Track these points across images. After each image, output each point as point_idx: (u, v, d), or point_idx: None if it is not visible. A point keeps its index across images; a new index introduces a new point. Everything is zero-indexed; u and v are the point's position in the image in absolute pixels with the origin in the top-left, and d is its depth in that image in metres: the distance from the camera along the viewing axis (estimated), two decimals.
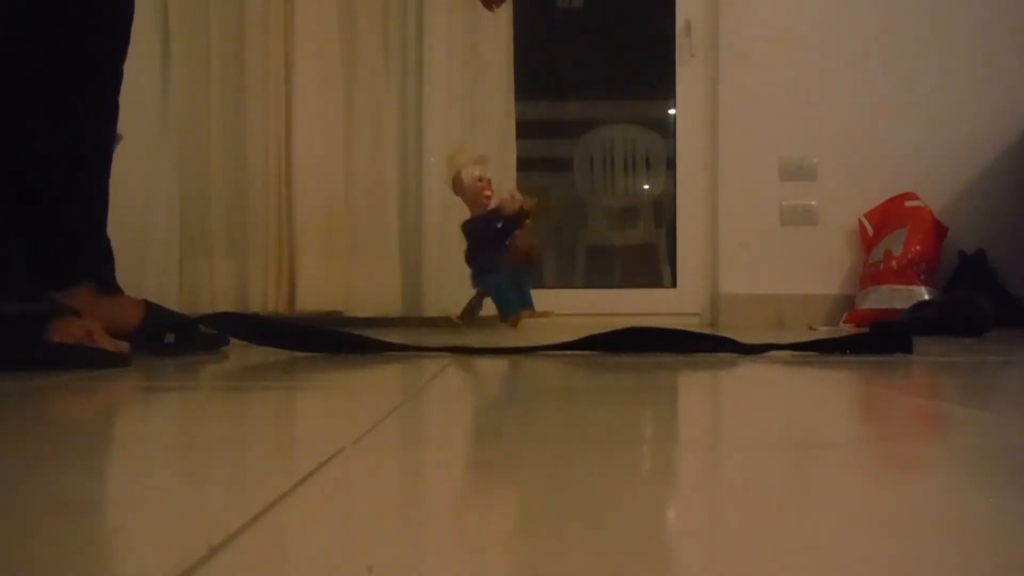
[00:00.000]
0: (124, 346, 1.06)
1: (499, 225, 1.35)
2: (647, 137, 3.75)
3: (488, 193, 1.35)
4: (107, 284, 1.31)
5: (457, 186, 1.33)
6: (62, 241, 1.26)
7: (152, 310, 1.32)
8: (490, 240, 1.36)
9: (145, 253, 2.63)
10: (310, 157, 2.76)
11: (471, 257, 1.37)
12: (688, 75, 3.05)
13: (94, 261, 1.31)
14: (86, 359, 1.00)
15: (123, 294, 1.33)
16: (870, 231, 2.90)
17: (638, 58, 4.00)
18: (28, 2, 1.21)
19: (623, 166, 3.76)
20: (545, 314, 1.42)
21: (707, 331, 1.42)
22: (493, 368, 1.10)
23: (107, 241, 1.34)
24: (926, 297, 2.64)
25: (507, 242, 1.36)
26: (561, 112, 4.26)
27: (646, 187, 3.86)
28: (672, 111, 3.19)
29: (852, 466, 0.47)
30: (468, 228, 1.35)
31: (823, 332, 2.40)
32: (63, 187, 1.27)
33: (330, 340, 1.29)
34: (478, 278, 1.37)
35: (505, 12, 2.87)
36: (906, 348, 1.26)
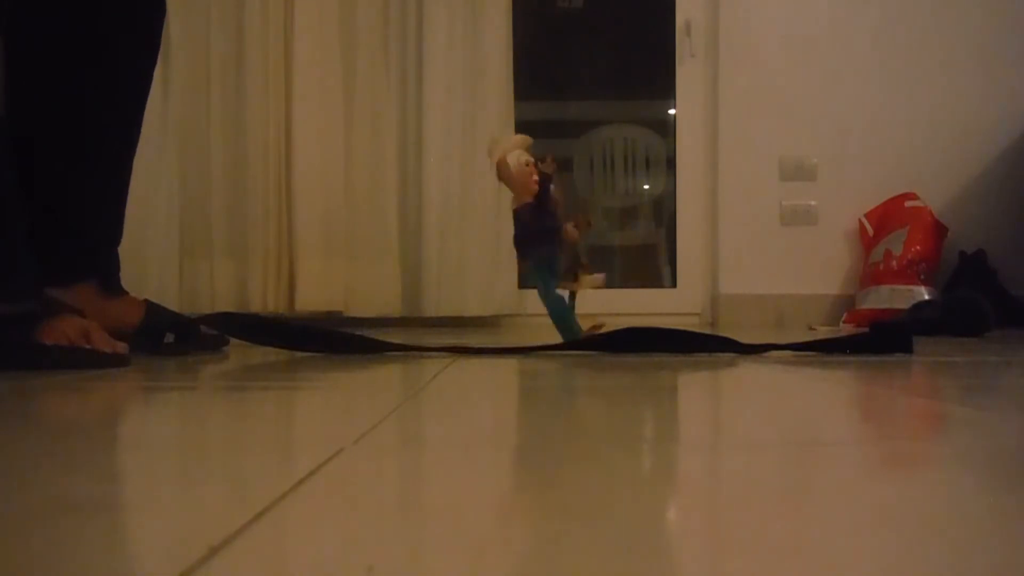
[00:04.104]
0: (122, 346, 1.06)
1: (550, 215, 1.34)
2: (647, 137, 3.75)
3: (535, 178, 1.32)
4: (110, 284, 1.31)
5: (503, 172, 1.30)
6: (69, 240, 1.26)
7: (152, 310, 1.32)
8: (546, 232, 1.34)
9: (145, 253, 2.63)
10: (310, 157, 2.76)
11: (525, 251, 1.34)
12: (688, 75, 3.05)
13: (99, 261, 1.31)
14: (77, 360, 1.00)
15: (126, 294, 1.33)
16: (870, 231, 2.90)
17: (638, 58, 4.00)
18: (60, 4, 1.20)
19: (623, 166, 3.76)
20: (600, 325, 1.40)
21: (707, 331, 1.42)
22: (493, 368, 1.10)
23: (116, 241, 1.34)
24: (926, 297, 2.63)
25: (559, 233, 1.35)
26: (561, 112, 4.25)
27: (646, 187, 3.86)
28: (672, 111, 3.19)
29: (852, 466, 0.47)
30: (519, 216, 1.32)
31: (823, 332, 2.40)
32: (78, 188, 1.27)
33: (330, 340, 1.29)
34: (537, 273, 1.35)
35: (505, 12, 2.87)
36: (906, 348, 1.26)
